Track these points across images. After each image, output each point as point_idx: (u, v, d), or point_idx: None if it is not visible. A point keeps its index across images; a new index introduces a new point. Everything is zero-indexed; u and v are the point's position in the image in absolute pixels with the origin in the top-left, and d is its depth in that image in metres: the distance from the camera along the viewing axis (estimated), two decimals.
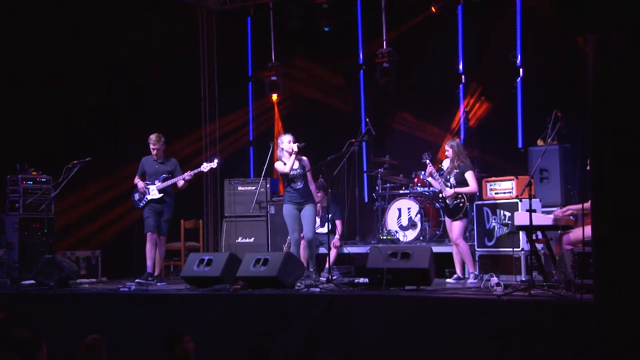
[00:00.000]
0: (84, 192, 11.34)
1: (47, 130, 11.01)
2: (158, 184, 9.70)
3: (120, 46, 11.72)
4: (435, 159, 10.34)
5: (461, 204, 8.92)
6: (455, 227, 8.94)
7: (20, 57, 10.89)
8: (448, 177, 9.10)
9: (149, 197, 9.69)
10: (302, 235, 9.13)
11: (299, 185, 9.02)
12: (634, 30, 4.43)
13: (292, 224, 9.03)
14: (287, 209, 9.07)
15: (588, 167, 7.29)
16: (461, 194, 8.93)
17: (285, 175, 9.07)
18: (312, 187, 9.12)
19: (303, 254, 10.18)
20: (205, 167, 9.91)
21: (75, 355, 5.55)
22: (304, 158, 9.09)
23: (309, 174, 9.08)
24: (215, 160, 10.06)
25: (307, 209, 9.01)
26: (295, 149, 8.95)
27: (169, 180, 9.70)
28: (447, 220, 9.11)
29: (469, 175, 8.99)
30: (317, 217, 9.51)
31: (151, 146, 9.78)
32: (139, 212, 9.91)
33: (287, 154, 9.00)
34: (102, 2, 11.49)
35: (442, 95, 12.10)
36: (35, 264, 9.52)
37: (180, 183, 9.72)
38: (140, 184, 9.75)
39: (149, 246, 9.66)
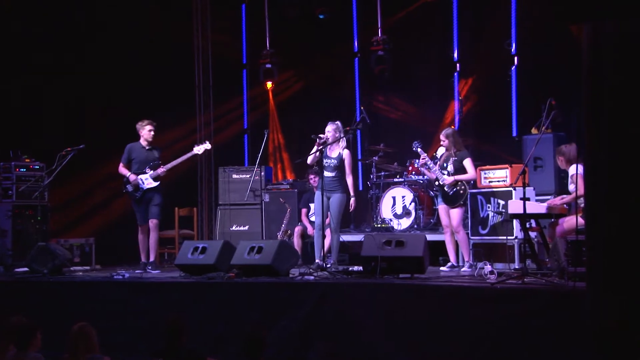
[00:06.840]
0: (78, 179, 11.32)
1: (41, 118, 10.97)
2: (150, 172, 9.53)
3: (113, 33, 11.65)
4: (429, 147, 10.32)
5: (461, 191, 8.90)
6: (455, 215, 8.91)
7: (13, 45, 10.85)
8: (445, 164, 9.07)
9: (145, 187, 9.51)
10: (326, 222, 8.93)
11: (328, 174, 8.90)
12: (628, 19, 4.43)
13: (317, 209, 9.02)
14: (317, 195, 8.99)
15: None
16: (460, 181, 8.93)
17: (319, 163, 9.02)
18: (349, 179, 8.97)
19: (297, 242, 10.20)
20: (199, 149, 9.79)
21: (65, 343, 5.55)
22: (346, 152, 8.93)
23: (347, 167, 8.91)
24: (207, 142, 9.93)
25: (333, 198, 8.88)
26: (318, 140, 8.91)
27: (168, 165, 9.52)
28: (443, 208, 9.07)
29: (468, 163, 8.97)
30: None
31: (150, 132, 9.58)
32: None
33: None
34: None
35: (437, 83, 12.08)
36: (28, 251, 9.49)
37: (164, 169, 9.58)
38: (132, 177, 9.50)
39: (140, 237, 9.60)
